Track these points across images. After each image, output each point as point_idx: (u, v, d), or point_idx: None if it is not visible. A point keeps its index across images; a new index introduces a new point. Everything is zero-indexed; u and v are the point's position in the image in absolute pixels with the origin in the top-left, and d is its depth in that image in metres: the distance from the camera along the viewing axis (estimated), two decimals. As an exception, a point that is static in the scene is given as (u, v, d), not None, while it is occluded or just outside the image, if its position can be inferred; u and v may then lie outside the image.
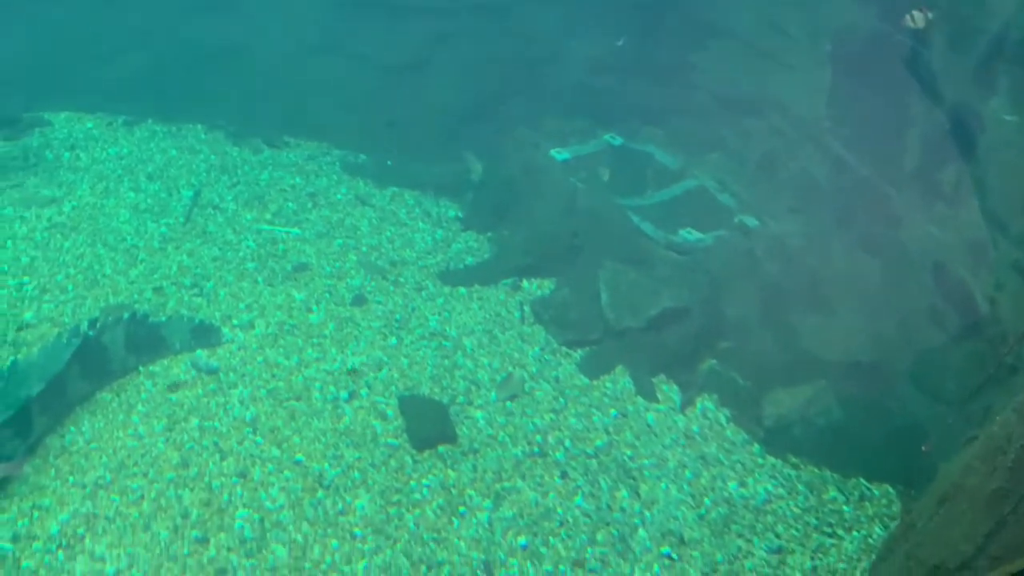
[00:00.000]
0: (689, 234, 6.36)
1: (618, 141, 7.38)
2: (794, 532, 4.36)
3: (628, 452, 4.79)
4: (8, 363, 4.53)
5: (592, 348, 5.57)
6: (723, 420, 5.07)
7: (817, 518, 4.45)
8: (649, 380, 5.34)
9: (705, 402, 5.21)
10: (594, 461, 4.70)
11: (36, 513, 4.03)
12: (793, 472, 4.72)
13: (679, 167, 7.21)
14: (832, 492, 4.62)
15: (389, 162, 7.46)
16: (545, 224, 6.44)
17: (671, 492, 4.53)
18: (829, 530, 4.39)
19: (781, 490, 4.59)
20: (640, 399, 5.21)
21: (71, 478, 4.22)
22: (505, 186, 6.95)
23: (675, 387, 5.32)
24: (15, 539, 3.90)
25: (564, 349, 5.56)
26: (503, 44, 7.76)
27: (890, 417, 4.84)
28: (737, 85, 7.63)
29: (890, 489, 4.64)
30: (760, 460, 4.78)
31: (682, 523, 4.35)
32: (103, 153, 7.11)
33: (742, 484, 4.61)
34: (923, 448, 4.25)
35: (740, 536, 4.30)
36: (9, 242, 5.91)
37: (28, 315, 5.26)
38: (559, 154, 7.09)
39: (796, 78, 7.17)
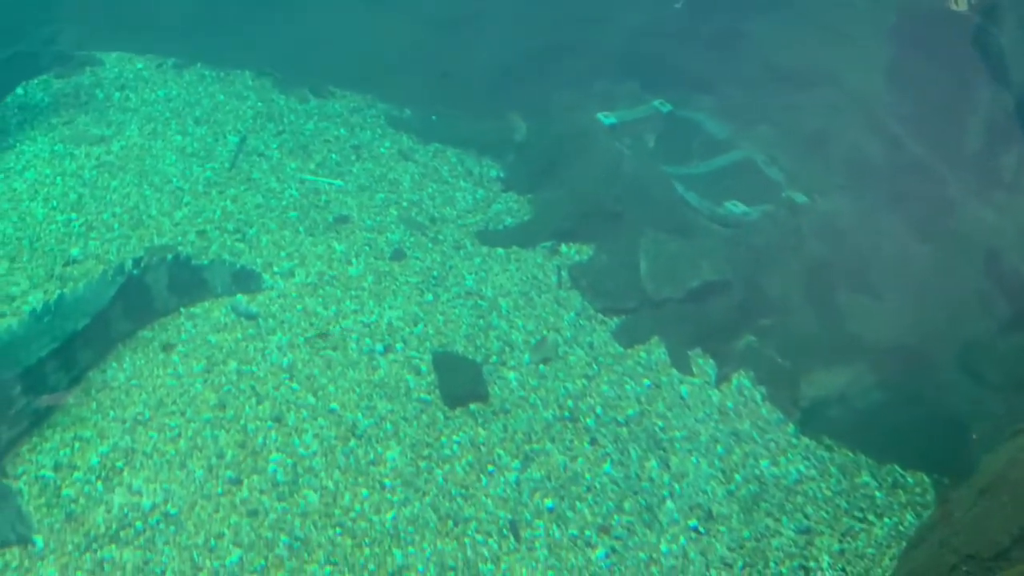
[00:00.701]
0: (734, 207, 6.25)
1: (667, 108, 7.24)
2: (823, 514, 4.33)
3: (659, 423, 4.77)
4: (55, 297, 4.62)
5: (628, 317, 5.52)
6: (758, 398, 5.01)
7: (848, 502, 4.41)
8: (685, 352, 5.29)
9: (741, 378, 5.15)
10: (624, 429, 4.69)
11: (77, 444, 4.13)
12: (827, 454, 4.67)
13: (727, 137, 7.06)
14: (865, 477, 4.56)
15: (434, 117, 7.41)
16: (587, 188, 6.36)
17: (701, 466, 4.51)
18: (859, 514, 4.34)
19: (813, 471, 4.55)
20: (674, 371, 5.17)
21: (111, 412, 4.31)
22: (549, 148, 6.87)
23: (711, 361, 5.27)
24: (56, 468, 4.01)
25: (600, 316, 5.53)
26: (554, 3, 7.62)
27: (931, 405, 4.74)
28: (792, 56, 7.43)
29: (925, 478, 4.57)
30: (794, 440, 4.73)
31: (711, 498, 4.33)
32: (152, 95, 7.15)
33: (774, 463, 4.57)
34: (973, 437, 4.17)
35: (769, 515, 4.28)
36: (59, 179, 5.99)
37: (75, 251, 5.35)
38: (606, 118, 6.97)
39: (854, 51, 6.97)
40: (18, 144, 6.34)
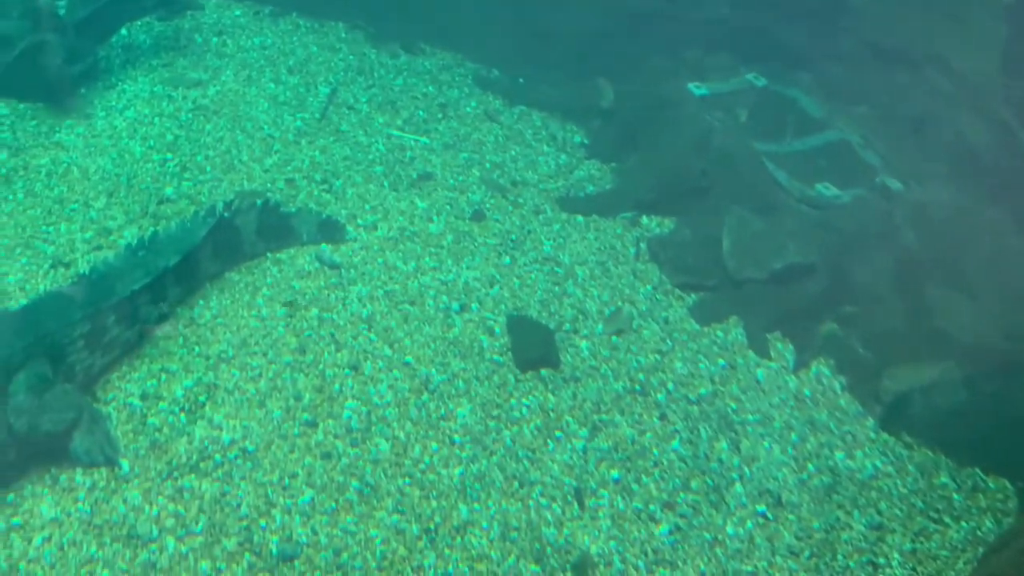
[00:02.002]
0: (826, 189, 6.06)
1: (761, 82, 7.03)
2: (897, 512, 4.21)
3: (732, 405, 4.70)
4: (149, 233, 4.78)
5: (707, 294, 5.43)
6: (837, 388, 4.89)
7: (924, 502, 4.28)
8: (763, 335, 5.18)
9: (820, 366, 5.02)
10: (696, 408, 4.64)
11: (164, 376, 4.30)
12: (905, 452, 4.53)
13: (822, 117, 6.82)
14: (944, 478, 4.42)
15: (521, 80, 7.35)
16: (673, 160, 6.24)
17: (773, 452, 4.44)
18: (935, 515, 4.21)
19: (890, 468, 4.42)
20: (751, 353, 5.07)
21: (197, 348, 4.46)
22: (636, 116, 6.75)
23: (790, 346, 5.15)
24: (143, 397, 4.19)
25: (677, 291, 5.45)
26: (651, -33, 7.43)
27: (1019, 409, 4.55)
28: (897, 34, 7.12)
29: (1007, 484, 4.39)
30: (872, 435, 4.61)
31: (781, 484, 4.26)
32: (248, 42, 7.27)
33: (850, 456, 4.46)
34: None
35: (840, 507, 4.18)
36: (156, 119, 6.17)
37: (168, 191, 5.52)
38: (697, 89, 6.81)
39: (964, 32, 6.63)
40: (120, 83, 6.55)
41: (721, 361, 4.97)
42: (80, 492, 3.73)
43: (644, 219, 6.01)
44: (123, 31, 7.02)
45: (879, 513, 4.19)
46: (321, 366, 4.45)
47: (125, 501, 3.70)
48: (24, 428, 3.71)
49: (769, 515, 4.10)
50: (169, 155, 5.83)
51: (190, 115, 6.25)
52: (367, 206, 5.65)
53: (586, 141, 6.79)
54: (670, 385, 4.75)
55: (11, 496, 3.67)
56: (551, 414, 4.45)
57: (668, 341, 5.05)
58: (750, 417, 4.63)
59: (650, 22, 7.34)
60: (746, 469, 4.32)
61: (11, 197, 5.30)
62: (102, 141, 5.89)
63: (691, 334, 5.14)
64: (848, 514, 4.16)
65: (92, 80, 6.48)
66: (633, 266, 5.60)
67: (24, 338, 3.87)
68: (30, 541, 3.51)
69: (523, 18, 7.49)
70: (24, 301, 4.48)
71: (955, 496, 4.33)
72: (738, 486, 4.22)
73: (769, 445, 4.47)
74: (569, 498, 4.03)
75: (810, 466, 4.38)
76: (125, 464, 3.86)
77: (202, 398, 4.19)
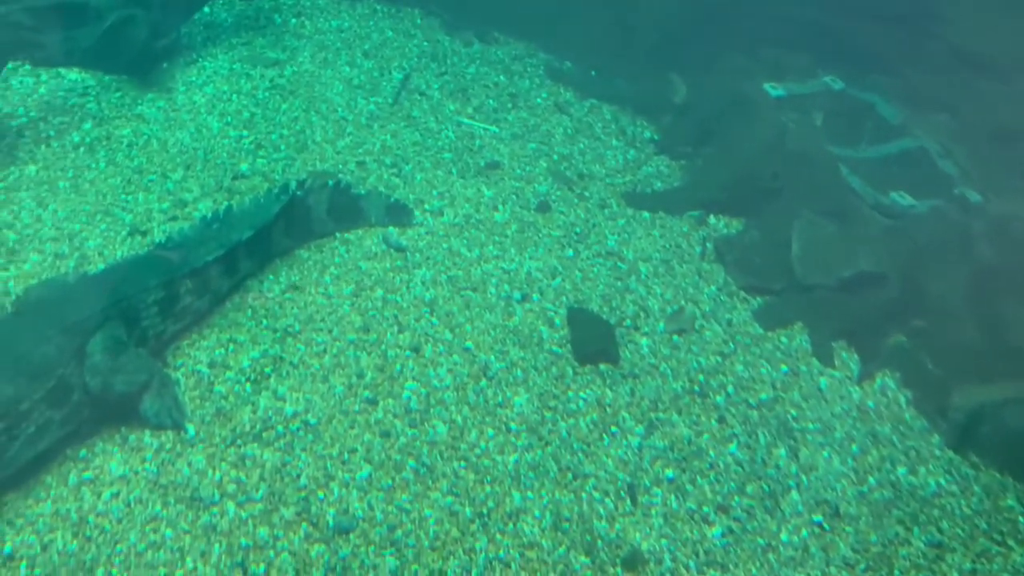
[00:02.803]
0: (901, 198, 5.90)
1: (839, 85, 6.88)
2: (959, 531, 4.10)
3: (793, 412, 4.62)
4: (224, 207, 4.90)
5: (772, 298, 5.35)
6: (903, 401, 4.77)
7: (988, 523, 4.15)
8: (828, 343, 5.09)
9: (886, 378, 4.91)
10: (755, 413, 4.58)
11: (231, 346, 4.41)
12: (971, 472, 4.40)
13: (901, 123, 6.65)
14: (1010, 500, 4.28)
15: (593, 72, 7.32)
16: (745, 160, 6.15)
17: (833, 462, 4.35)
18: (999, 537, 4.09)
19: (954, 487, 4.30)
20: (815, 361, 4.98)
21: (264, 321, 4.57)
22: (708, 113, 6.66)
23: (855, 356, 5.04)
24: (211, 365, 4.30)
25: (742, 294, 5.38)
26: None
27: (1096, 436, 4.38)
28: (985, 40, 6.89)
29: (1078, 512, 4.25)
30: (937, 452, 4.49)
31: (840, 496, 4.18)
32: (326, 24, 7.39)
33: (912, 471, 4.36)
34: None
35: (900, 523, 4.09)
36: (235, 96, 6.31)
37: (243, 166, 5.65)
38: (773, 89, 6.69)
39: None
40: (200, 60, 6.71)
41: (784, 367, 4.89)
42: (148, 452, 3.85)
43: (712, 218, 5.94)
44: (206, 8, 7.19)
45: (940, 531, 4.08)
46: (383, 346, 4.51)
47: (190, 464, 3.82)
48: (98, 387, 3.85)
49: (825, 525, 4.02)
50: (245, 132, 5.97)
51: (267, 94, 6.38)
52: (434, 192, 5.71)
53: (656, 137, 6.73)
54: (730, 388, 4.69)
55: (83, 452, 3.81)
56: (608, 409, 4.44)
57: (730, 343, 4.99)
58: (810, 425, 4.55)
59: (730, 17, 7.23)
60: (804, 477, 4.25)
61: (94, 165, 5.49)
62: (181, 115, 6.06)
63: (754, 338, 5.07)
64: (908, 530, 4.06)
65: (174, 55, 6.66)
66: (698, 265, 5.54)
67: (102, 301, 4.01)
68: (99, 496, 3.65)
69: (598, 10, 7.45)
70: (102, 266, 4.65)
71: (1021, 519, 4.20)
72: (794, 494, 4.16)
73: (829, 455, 4.39)
74: (622, 493, 4.02)
75: (871, 479, 4.29)
76: (191, 428, 3.97)
77: (268, 369, 4.29)
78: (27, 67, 6.27)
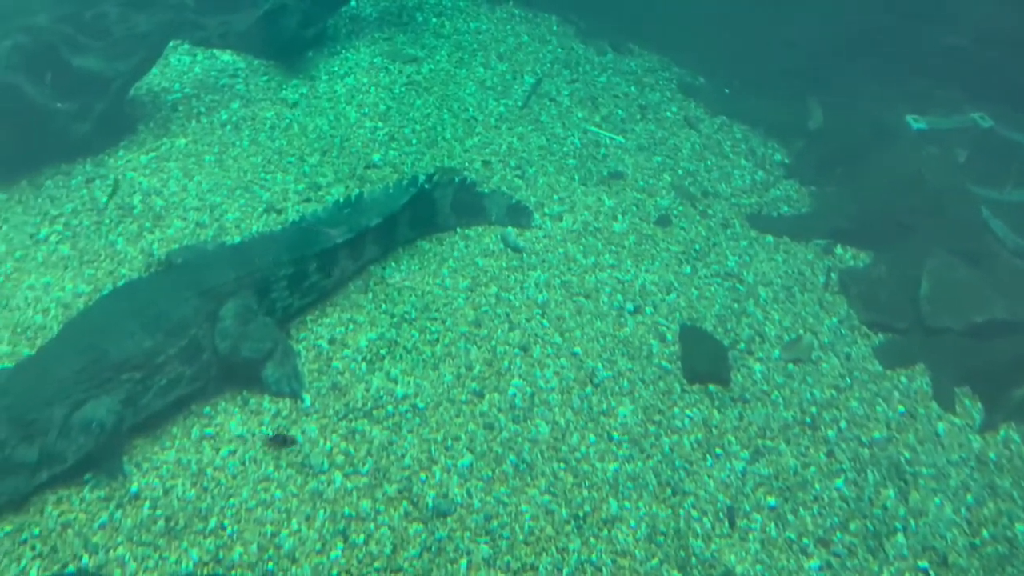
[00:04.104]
0: (1046, 245, 5.56)
1: (987, 123, 6.54)
2: (1082, 603, 3.84)
3: (906, 454, 4.43)
4: (355, 193, 5.11)
5: (895, 336, 5.14)
6: (1029, 457, 4.50)
7: (1116, 599, 3.86)
8: (951, 388, 4.84)
9: (1010, 431, 4.64)
10: (866, 451, 4.41)
11: (351, 326, 4.59)
12: (1101, 540, 4.11)
13: (1054, 169, 6.26)
14: None
15: (727, 90, 7.23)
16: (879, 192, 5.93)
17: (944, 510, 4.14)
18: None
19: (1080, 554, 4.03)
20: (934, 404, 4.75)
21: (383, 306, 4.73)
22: (844, 141, 6.47)
23: (979, 405, 4.78)
24: (331, 341, 4.49)
25: (864, 328, 5.19)
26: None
27: None
28: None
29: None
30: (1064, 513, 4.21)
31: (949, 545, 3.98)
32: (464, 25, 7.58)
33: (1034, 531, 4.11)
34: None
35: (1015, 582, 3.87)
36: (373, 88, 6.56)
37: (376, 156, 5.87)
38: (915, 121, 6.44)
39: None
40: (343, 51, 7.01)
41: (901, 407, 4.69)
42: (265, 416, 4.06)
43: (839, 248, 5.76)
44: (352, 2, 7.51)
45: (1061, 600, 3.83)
46: (493, 342, 4.59)
47: (303, 432, 3.99)
48: (227, 350, 4.09)
49: (931, 573, 3.83)
50: (380, 124, 6.19)
51: (403, 89, 6.60)
52: (555, 196, 5.76)
53: (787, 160, 6.58)
54: (843, 423, 4.54)
55: (207, 409, 4.05)
56: (714, 430, 4.37)
57: (847, 378, 4.82)
58: (924, 470, 4.35)
59: (882, 42, 6.98)
60: (912, 521, 4.07)
61: (238, 143, 5.82)
62: (322, 103, 6.34)
63: (872, 375, 4.88)
64: (1024, 593, 3.83)
65: (319, 45, 6.98)
66: (820, 295, 5.38)
67: (236, 271, 4.25)
68: (218, 451, 3.87)
69: (739, 27, 7.33)
70: (239, 238, 4.92)
71: None
72: (900, 537, 3.98)
73: (940, 502, 4.18)
74: (721, 515, 3.95)
75: (984, 532, 4.06)
76: (307, 398, 4.16)
77: (383, 351, 4.44)
78: (185, 46, 6.72)
